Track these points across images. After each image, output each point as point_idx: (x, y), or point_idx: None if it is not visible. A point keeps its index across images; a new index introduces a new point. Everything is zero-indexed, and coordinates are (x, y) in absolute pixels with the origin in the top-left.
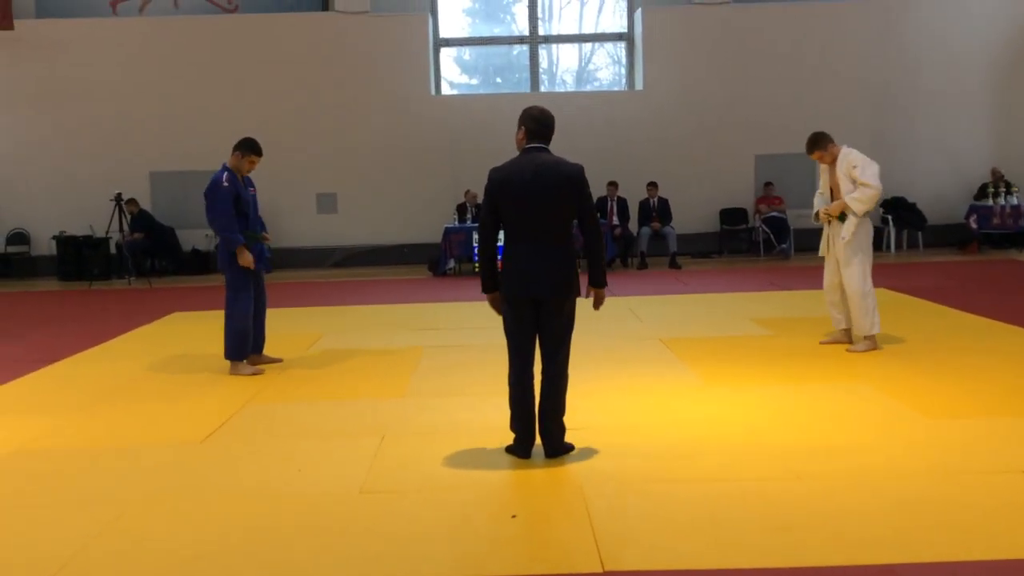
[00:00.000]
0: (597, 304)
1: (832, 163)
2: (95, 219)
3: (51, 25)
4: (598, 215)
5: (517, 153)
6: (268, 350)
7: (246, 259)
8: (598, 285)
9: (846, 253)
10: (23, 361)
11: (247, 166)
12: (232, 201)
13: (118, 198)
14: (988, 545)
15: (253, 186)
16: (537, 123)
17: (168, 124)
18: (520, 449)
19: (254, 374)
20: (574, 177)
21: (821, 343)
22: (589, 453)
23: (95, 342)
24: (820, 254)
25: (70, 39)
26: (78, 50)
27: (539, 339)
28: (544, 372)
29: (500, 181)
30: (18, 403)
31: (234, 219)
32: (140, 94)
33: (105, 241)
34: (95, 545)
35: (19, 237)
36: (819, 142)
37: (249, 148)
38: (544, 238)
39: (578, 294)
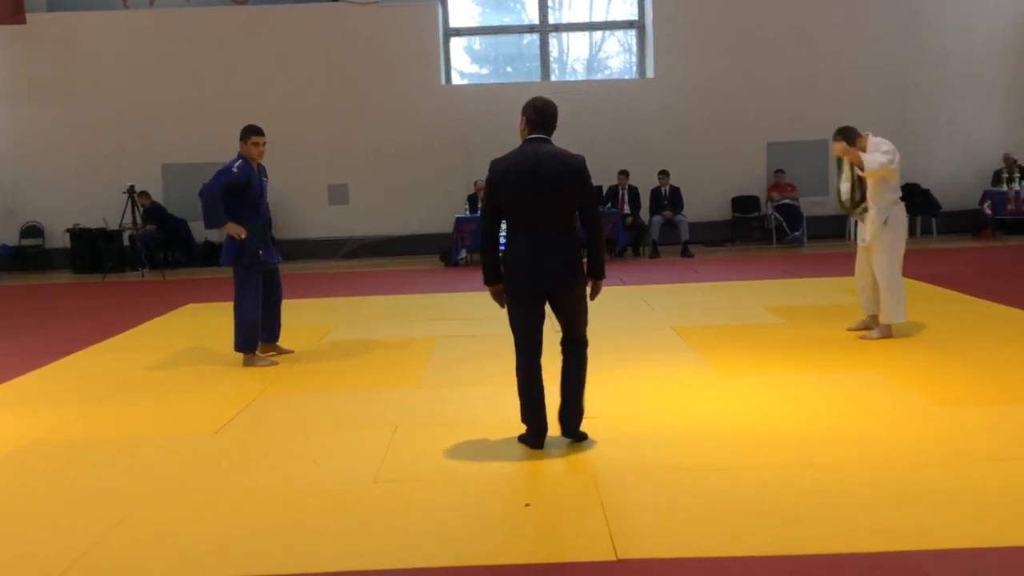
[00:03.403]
0: (593, 295)
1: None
2: (108, 212)
3: (62, 18)
4: (600, 207)
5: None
6: (281, 341)
7: (235, 229)
8: (596, 277)
9: (878, 240)
10: (37, 353)
11: (254, 149)
12: (231, 186)
13: (131, 190)
14: (1004, 532)
15: (266, 177)
16: (539, 114)
17: (179, 116)
18: (532, 439)
19: (268, 365)
20: (575, 168)
21: (848, 329)
22: (602, 442)
23: (109, 334)
24: (860, 238)
25: (81, 32)
26: (89, 43)
27: (558, 323)
28: (564, 352)
29: (501, 172)
30: (32, 395)
31: (220, 199)
32: (151, 86)
33: (118, 233)
34: (111, 537)
35: (33, 230)
36: (849, 135)
37: (247, 132)
38: (546, 229)
39: (585, 282)
